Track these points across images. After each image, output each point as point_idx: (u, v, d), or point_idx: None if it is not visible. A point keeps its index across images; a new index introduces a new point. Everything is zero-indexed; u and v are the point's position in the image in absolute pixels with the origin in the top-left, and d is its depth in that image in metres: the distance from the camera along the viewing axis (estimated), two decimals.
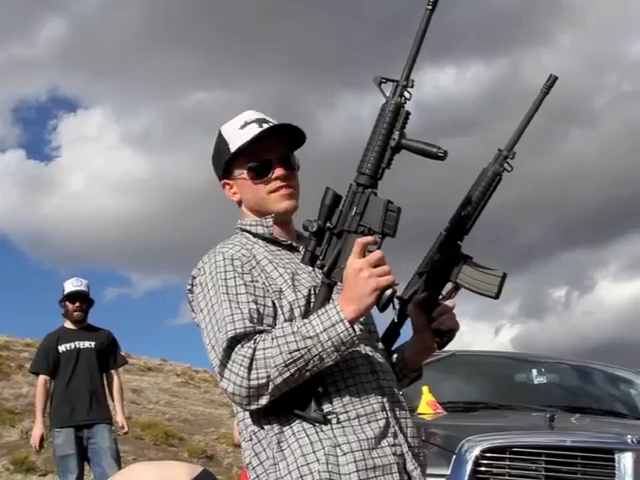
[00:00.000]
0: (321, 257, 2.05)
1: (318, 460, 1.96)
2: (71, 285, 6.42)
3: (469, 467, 3.49)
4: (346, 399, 2.03)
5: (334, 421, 2.00)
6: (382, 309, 2.02)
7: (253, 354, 1.93)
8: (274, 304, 2.06)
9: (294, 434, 2.00)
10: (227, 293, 2.04)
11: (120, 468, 5.86)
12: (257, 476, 2.05)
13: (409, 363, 2.31)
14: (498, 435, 3.64)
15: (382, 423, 2.04)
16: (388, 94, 2.03)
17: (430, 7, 2.02)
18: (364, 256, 1.95)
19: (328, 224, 2.04)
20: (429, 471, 3.52)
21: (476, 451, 3.48)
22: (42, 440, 6.14)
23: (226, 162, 2.22)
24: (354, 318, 1.95)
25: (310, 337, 1.93)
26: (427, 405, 4.41)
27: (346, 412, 2.01)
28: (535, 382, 5.00)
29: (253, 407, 1.98)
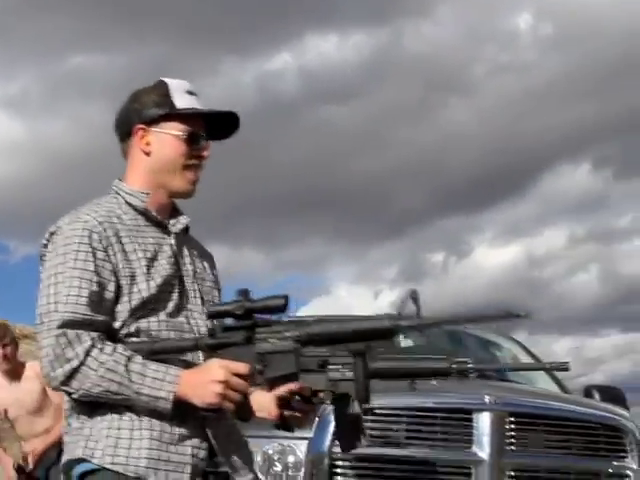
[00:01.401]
0: (220, 329, 2.03)
1: (107, 437, 1.98)
2: None
3: (331, 429, 3.50)
4: None
5: (147, 414, 1.99)
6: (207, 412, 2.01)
7: (78, 367, 1.92)
8: (119, 289, 2.02)
9: (105, 412, 2.01)
10: (74, 268, 1.99)
11: None
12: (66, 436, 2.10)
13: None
14: None
15: (192, 424, 2.03)
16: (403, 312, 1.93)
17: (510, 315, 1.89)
18: (238, 375, 1.94)
19: (252, 319, 1.99)
20: (293, 434, 3.55)
21: None
22: None
23: (165, 114, 2.15)
24: (181, 400, 1.94)
25: (132, 390, 1.93)
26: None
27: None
28: (402, 345, 5.05)
29: None
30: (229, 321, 2.05)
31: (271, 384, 2.03)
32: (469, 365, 2.15)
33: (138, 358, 1.96)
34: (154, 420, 1.98)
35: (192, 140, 2.16)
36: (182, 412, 1.99)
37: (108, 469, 1.95)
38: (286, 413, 2.17)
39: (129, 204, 2.15)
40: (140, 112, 2.17)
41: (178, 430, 2.00)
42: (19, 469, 5.19)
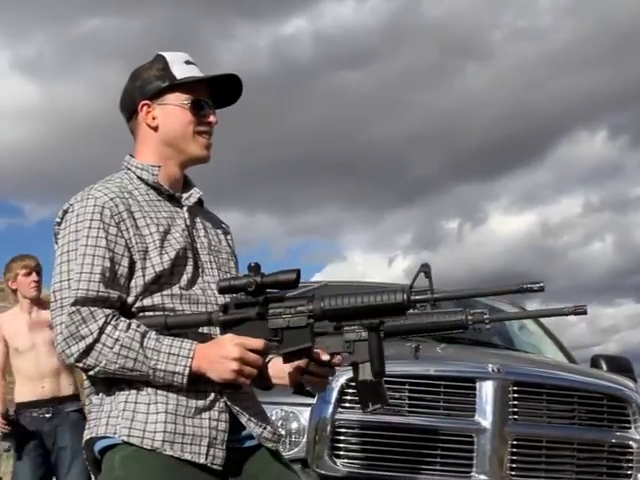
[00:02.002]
0: (233, 305, 2.02)
1: (124, 410, 2.00)
2: None
3: (334, 396, 3.52)
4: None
5: (165, 387, 2.00)
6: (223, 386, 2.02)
7: (93, 344, 1.94)
8: (132, 265, 2.03)
9: (124, 387, 2.02)
10: (86, 245, 2.00)
11: None
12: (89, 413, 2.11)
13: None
14: None
15: (211, 396, 2.04)
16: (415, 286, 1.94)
17: (525, 288, 1.90)
18: (252, 350, 1.95)
19: (264, 295, 1.99)
20: (297, 400, 3.57)
21: (341, 380, 3.50)
22: None
23: (166, 86, 2.15)
24: (197, 374, 1.96)
25: (148, 366, 1.94)
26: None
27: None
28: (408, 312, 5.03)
29: None
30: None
31: (285, 359, 2.03)
32: (485, 316, 2.14)
33: (152, 334, 1.97)
34: (170, 394, 2.00)
35: (196, 107, 2.16)
36: (199, 385, 2.01)
37: (126, 442, 1.97)
38: (305, 378, 2.17)
39: (140, 179, 2.16)
40: (142, 88, 2.18)
41: (195, 403, 2.01)
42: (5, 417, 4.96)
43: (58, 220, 2.11)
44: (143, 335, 1.96)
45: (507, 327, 5.63)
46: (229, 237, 2.35)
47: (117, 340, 1.93)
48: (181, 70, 2.17)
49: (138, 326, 1.97)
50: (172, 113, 2.15)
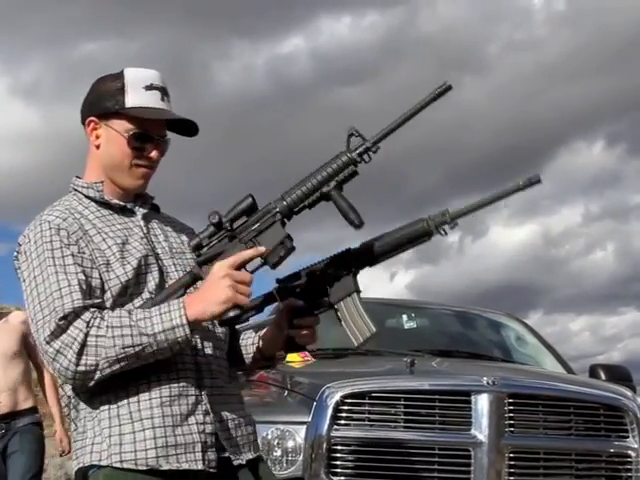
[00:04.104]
0: (205, 248, 2.02)
1: (110, 436, 1.96)
2: None
3: (329, 413, 3.50)
4: (162, 374, 2.01)
5: (145, 398, 1.98)
6: (221, 324, 2.01)
7: (85, 340, 1.89)
8: (101, 277, 2.00)
9: (103, 408, 2.00)
10: (54, 265, 1.97)
11: None
12: (74, 441, 2.07)
13: (262, 350, 2.29)
14: (358, 381, 3.65)
15: (192, 400, 2.01)
16: (351, 146, 2.02)
17: (437, 93, 2.03)
18: (237, 269, 1.93)
19: (228, 225, 2.01)
20: (292, 419, 3.57)
21: (336, 397, 3.49)
22: None
23: (114, 110, 2.10)
24: (196, 320, 1.92)
25: (147, 335, 1.90)
26: (296, 353, 4.39)
27: (160, 388, 1.99)
28: (405, 327, 5.04)
29: (78, 385, 1.97)
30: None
31: (273, 262, 2.01)
32: (446, 216, 2.15)
33: (138, 310, 1.95)
34: (154, 407, 1.96)
35: (137, 140, 2.10)
36: (179, 390, 2.00)
37: (118, 468, 1.93)
38: (291, 332, 2.18)
39: (89, 197, 2.14)
40: (92, 104, 2.15)
41: (179, 410, 1.98)
42: None
43: (16, 254, 2.08)
44: (129, 312, 1.94)
45: (504, 339, 5.63)
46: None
47: (107, 326, 1.90)
48: (135, 97, 2.10)
49: (121, 309, 1.96)
50: (114, 139, 2.11)
